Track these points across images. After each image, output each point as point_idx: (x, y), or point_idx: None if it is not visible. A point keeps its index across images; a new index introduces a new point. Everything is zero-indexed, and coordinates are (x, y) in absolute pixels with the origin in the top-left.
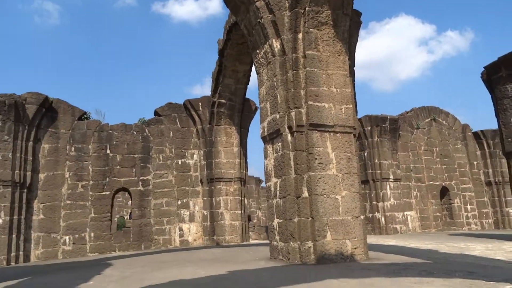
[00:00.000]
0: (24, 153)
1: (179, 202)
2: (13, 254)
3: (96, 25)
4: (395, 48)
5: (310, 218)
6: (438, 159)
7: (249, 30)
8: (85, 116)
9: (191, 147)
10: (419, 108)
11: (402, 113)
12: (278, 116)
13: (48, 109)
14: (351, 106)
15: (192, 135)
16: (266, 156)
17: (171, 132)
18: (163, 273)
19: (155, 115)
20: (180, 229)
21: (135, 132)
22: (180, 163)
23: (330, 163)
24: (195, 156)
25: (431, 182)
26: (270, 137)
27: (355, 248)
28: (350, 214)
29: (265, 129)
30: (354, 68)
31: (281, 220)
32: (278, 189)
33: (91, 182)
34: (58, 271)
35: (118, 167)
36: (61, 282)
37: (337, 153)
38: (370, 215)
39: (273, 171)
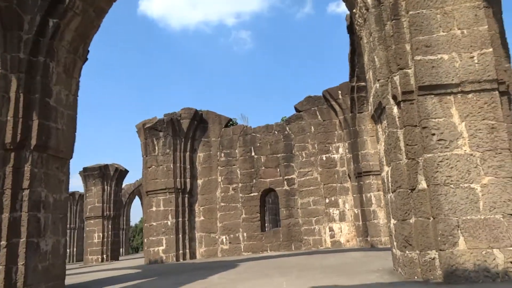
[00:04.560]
0: (183, 163)
1: (327, 200)
2: (180, 251)
3: (279, 37)
4: None
5: (431, 218)
6: None
7: None
8: (231, 122)
9: (335, 140)
10: None
11: None
12: (378, 86)
13: (200, 121)
14: (490, 50)
15: (335, 127)
16: (377, 140)
17: (312, 127)
18: (248, 284)
19: (295, 111)
20: (331, 229)
21: (276, 132)
22: (324, 158)
23: (458, 139)
24: (340, 149)
25: None
26: (376, 115)
27: (511, 262)
28: (500, 210)
29: (371, 106)
30: None
31: (395, 221)
32: (389, 180)
33: (240, 184)
34: (181, 273)
35: (263, 168)
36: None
37: (469, 122)
38: None
39: (384, 158)
